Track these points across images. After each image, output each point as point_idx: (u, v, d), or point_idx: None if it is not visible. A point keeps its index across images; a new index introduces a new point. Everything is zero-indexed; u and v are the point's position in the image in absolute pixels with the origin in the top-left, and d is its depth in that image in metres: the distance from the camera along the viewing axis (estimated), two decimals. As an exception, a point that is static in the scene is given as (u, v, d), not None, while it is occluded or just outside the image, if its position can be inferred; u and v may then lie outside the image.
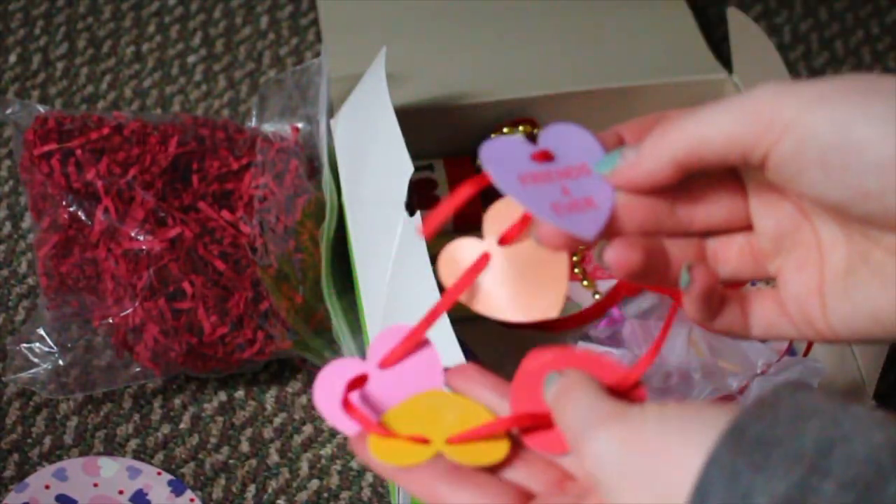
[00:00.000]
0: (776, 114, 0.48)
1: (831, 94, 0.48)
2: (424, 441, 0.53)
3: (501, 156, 0.52)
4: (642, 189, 0.52)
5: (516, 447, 0.54)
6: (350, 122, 0.86)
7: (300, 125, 0.90)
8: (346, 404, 0.54)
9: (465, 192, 0.53)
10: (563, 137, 0.54)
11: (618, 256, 0.51)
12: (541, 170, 0.52)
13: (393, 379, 0.56)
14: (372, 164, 0.81)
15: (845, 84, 0.48)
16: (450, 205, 0.53)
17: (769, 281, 0.55)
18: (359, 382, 0.55)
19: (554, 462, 0.53)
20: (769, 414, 0.43)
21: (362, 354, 0.84)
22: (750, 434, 0.43)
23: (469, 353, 0.75)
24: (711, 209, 0.54)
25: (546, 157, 0.53)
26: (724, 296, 0.53)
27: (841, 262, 0.52)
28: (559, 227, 0.51)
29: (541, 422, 0.53)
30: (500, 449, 0.53)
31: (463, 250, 0.56)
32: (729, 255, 0.54)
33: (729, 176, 0.54)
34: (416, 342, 0.56)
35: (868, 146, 0.47)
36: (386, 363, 0.56)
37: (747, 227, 0.54)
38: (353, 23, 0.99)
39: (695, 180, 0.53)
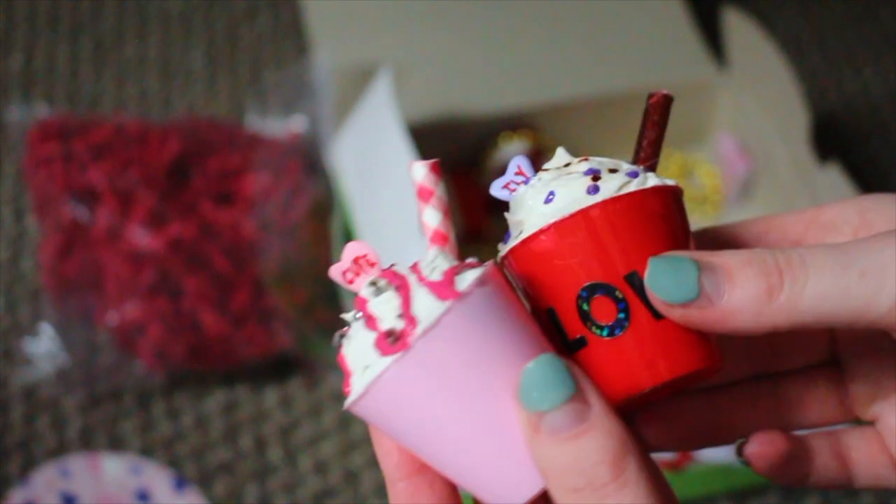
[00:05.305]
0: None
1: None
2: None
3: None
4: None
5: None
6: (354, 144, 0.85)
7: (300, 124, 0.90)
8: None
9: None
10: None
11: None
12: None
13: None
14: (381, 185, 0.81)
15: None
16: None
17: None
18: None
19: None
20: None
21: None
22: None
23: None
24: (792, 347, 0.45)
25: None
26: (807, 448, 0.44)
27: None
28: None
29: None
30: None
31: None
32: (810, 400, 0.45)
33: None
34: None
35: None
36: None
37: (829, 362, 0.45)
38: (342, 17, 0.98)
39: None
